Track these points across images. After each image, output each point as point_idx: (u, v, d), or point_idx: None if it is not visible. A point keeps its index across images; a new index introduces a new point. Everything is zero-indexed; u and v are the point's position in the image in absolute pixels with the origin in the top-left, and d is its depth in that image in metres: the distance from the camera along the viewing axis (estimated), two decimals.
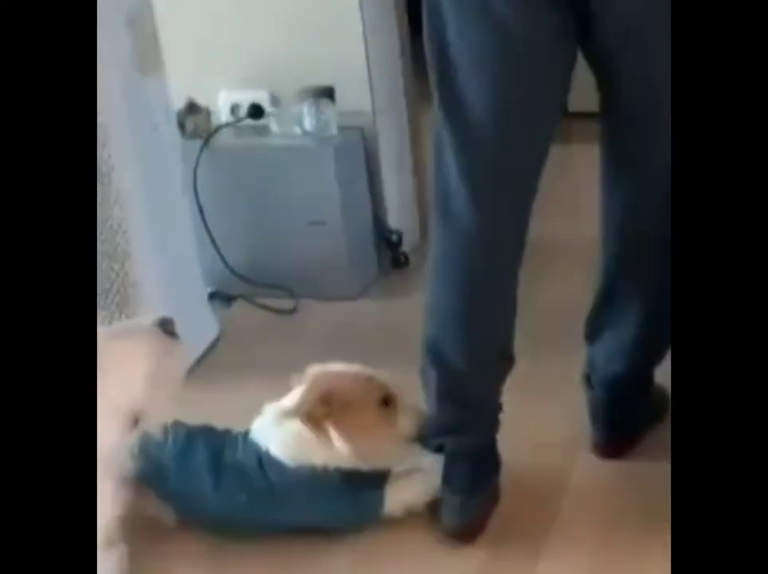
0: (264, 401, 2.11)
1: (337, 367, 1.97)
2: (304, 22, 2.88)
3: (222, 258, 2.89)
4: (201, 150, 2.82)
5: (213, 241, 2.87)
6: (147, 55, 2.40)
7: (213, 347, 2.70)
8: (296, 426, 1.90)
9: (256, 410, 2.08)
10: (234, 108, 2.96)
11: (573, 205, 3.03)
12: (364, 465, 1.92)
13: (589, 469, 2.09)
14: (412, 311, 2.77)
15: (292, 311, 2.87)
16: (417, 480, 1.99)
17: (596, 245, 2.05)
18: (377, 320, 2.82)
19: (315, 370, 1.95)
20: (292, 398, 1.94)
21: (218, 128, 2.89)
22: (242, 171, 2.87)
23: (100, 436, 1.11)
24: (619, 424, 2.07)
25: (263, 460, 1.94)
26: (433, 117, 1.81)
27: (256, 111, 2.92)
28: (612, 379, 2.06)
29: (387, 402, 1.92)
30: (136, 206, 2.33)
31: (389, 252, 3.06)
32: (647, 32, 1.63)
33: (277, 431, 1.94)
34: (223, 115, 2.97)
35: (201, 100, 2.91)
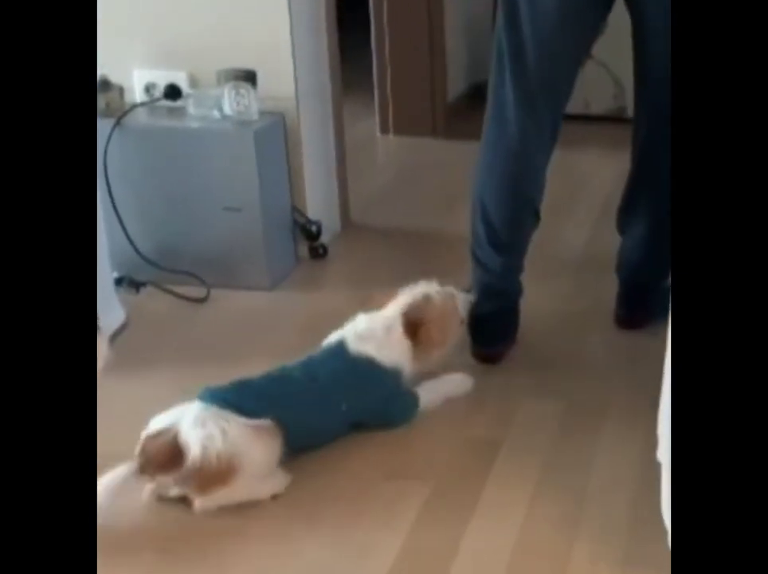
0: (172, 388, 2.20)
1: (431, 285, 2.29)
2: (229, 4, 2.79)
3: (131, 242, 2.78)
4: (113, 129, 2.70)
5: (121, 223, 2.75)
6: None
7: (118, 334, 2.59)
8: (397, 332, 2.19)
9: (161, 398, 2.07)
10: (149, 88, 2.86)
11: None
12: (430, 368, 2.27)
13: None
14: (327, 303, 2.73)
15: (204, 299, 2.76)
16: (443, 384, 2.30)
17: None
18: (290, 311, 2.74)
19: (416, 287, 2.27)
20: (393, 308, 2.22)
21: (133, 107, 2.77)
22: (156, 153, 2.75)
23: None
24: (637, 303, 2.54)
25: (358, 364, 2.14)
26: (496, 41, 2.27)
27: (173, 91, 2.82)
28: (635, 265, 2.53)
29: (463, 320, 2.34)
30: None
31: (308, 243, 2.97)
32: None
33: (380, 336, 2.18)
34: (138, 95, 2.86)
35: (115, 78, 2.79)
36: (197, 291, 2.78)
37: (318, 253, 2.99)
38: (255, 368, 2.15)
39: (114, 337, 2.56)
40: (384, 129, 4.07)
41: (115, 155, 2.71)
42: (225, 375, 2.10)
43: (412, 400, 2.22)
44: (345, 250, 3.08)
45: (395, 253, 3.06)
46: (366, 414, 2.16)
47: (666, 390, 1.63)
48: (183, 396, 2.04)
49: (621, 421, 2.19)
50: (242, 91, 2.70)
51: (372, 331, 2.19)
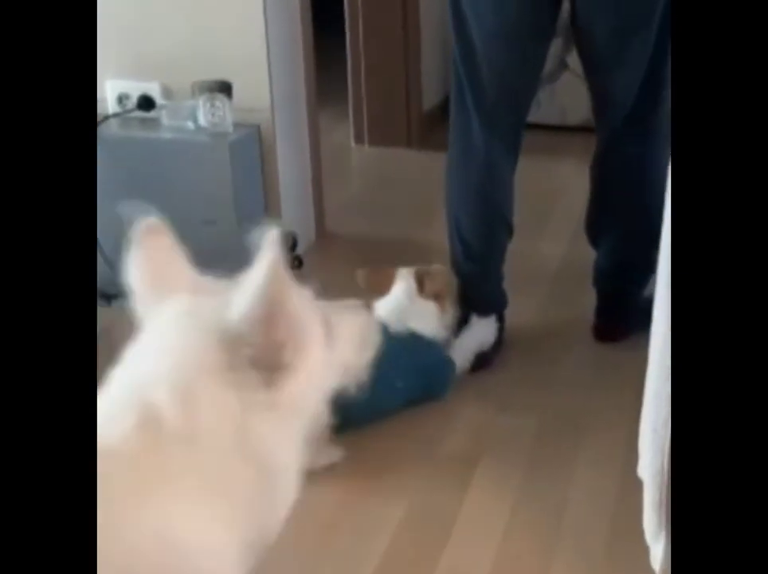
0: None
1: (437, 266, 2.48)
2: (203, 15, 2.77)
3: (102, 253, 2.74)
4: None
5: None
6: None
7: None
8: (430, 304, 2.38)
9: None
10: (122, 98, 2.83)
11: None
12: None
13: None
14: None
15: None
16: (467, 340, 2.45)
17: None
18: None
19: (436, 267, 2.47)
20: (401, 283, 2.40)
21: (106, 118, 2.74)
22: (130, 165, 2.73)
23: None
24: (615, 315, 2.55)
25: (404, 341, 2.24)
26: (452, 65, 2.36)
27: (146, 102, 2.79)
28: (610, 276, 2.54)
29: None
30: None
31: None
32: None
33: (415, 308, 2.36)
34: (110, 106, 2.83)
35: None
36: None
37: (293, 264, 2.97)
38: None
39: None
40: (359, 139, 4.06)
41: None
42: None
43: (452, 366, 2.36)
44: (320, 261, 3.06)
45: (371, 264, 3.04)
46: (417, 389, 2.27)
47: (647, 404, 1.62)
48: None
49: (599, 435, 2.19)
50: (217, 103, 2.68)
51: (398, 306, 2.36)
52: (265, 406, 1.02)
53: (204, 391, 1.01)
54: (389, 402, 2.23)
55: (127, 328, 2.87)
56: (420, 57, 4.01)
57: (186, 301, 1.11)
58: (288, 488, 1.06)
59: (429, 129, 4.09)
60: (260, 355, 1.01)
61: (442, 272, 2.48)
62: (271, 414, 1.02)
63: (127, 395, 1.04)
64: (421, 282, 2.41)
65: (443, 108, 4.28)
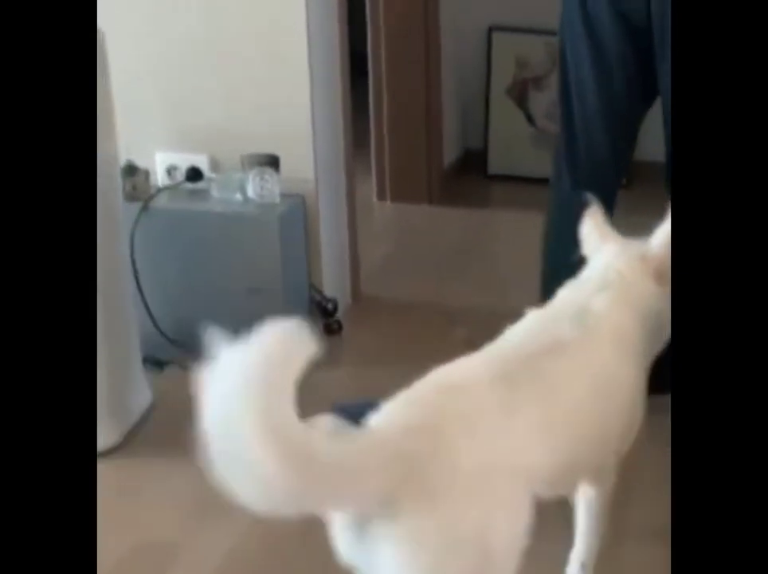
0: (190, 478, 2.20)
1: None
2: (250, 90, 2.87)
3: (154, 322, 2.83)
4: (141, 212, 2.76)
5: (145, 303, 2.81)
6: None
7: (146, 415, 2.64)
8: None
9: (194, 485, 2.08)
10: (171, 170, 2.92)
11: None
12: None
13: None
14: (351, 381, 2.80)
15: None
16: None
17: None
18: (308, 390, 2.80)
19: None
20: None
21: (159, 191, 2.83)
22: (181, 235, 2.82)
23: None
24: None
25: None
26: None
27: (194, 174, 2.89)
28: None
29: None
30: None
31: (323, 319, 3.05)
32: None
33: None
34: (159, 178, 2.92)
35: (140, 162, 2.85)
36: None
37: (332, 328, 3.07)
38: None
39: (143, 419, 2.61)
40: (381, 196, 4.16)
41: (140, 237, 2.77)
42: None
43: None
44: (357, 325, 3.15)
45: (404, 326, 3.14)
46: None
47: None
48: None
49: None
50: (266, 176, 2.78)
51: None
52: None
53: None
54: None
55: (181, 392, 2.93)
56: (441, 115, 4.13)
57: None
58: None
59: (447, 184, 4.20)
60: (660, 268, 1.75)
61: None
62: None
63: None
64: None
65: (461, 163, 4.41)
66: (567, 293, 1.83)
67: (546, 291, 2.59)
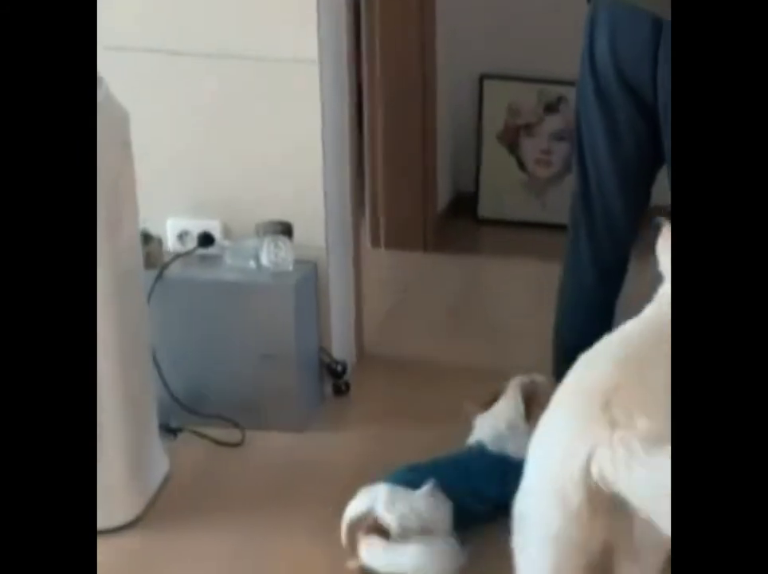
0: (220, 542, 2.49)
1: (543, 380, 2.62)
2: (261, 158, 2.89)
3: (168, 389, 2.84)
4: (156, 281, 2.77)
5: (159, 371, 2.82)
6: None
7: (164, 485, 2.65)
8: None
9: (210, 553, 2.43)
10: (182, 236, 2.93)
11: None
12: None
13: None
14: (360, 443, 2.84)
15: (239, 444, 2.84)
16: None
17: None
18: (321, 454, 2.84)
19: (542, 382, 2.59)
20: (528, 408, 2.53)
21: (174, 258, 2.84)
22: (195, 303, 2.84)
23: None
24: None
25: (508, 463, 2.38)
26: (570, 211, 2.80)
27: (206, 239, 2.90)
28: None
29: None
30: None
31: (332, 380, 3.08)
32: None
33: (516, 438, 2.45)
34: (171, 244, 2.93)
35: (151, 228, 2.86)
36: (231, 434, 2.86)
37: (341, 389, 3.10)
38: (301, 517, 2.47)
39: (161, 488, 2.63)
40: (375, 243, 4.18)
41: (154, 304, 2.78)
42: (275, 523, 2.47)
43: None
44: (364, 384, 3.18)
45: (408, 385, 3.18)
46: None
47: None
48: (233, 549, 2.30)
49: None
50: (280, 243, 2.80)
51: (498, 434, 2.54)
52: None
53: None
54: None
55: (195, 459, 2.96)
56: (436, 164, 4.16)
57: None
58: None
59: (440, 230, 4.23)
60: None
61: (548, 390, 2.38)
62: None
63: None
64: (528, 404, 2.52)
65: (453, 207, 4.44)
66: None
67: (560, 362, 2.65)
